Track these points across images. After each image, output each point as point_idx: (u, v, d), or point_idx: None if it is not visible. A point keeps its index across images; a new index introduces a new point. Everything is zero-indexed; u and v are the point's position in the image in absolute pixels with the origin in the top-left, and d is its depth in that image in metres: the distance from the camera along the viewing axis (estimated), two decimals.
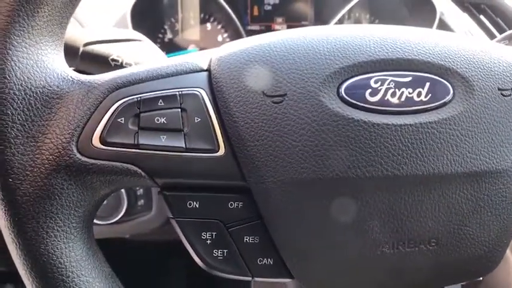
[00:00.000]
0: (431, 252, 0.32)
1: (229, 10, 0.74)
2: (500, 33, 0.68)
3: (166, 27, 0.79)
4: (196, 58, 0.32)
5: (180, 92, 0.29)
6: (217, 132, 0.29)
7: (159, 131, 0.29)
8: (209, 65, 0.31)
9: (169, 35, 0.80)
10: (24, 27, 0.27)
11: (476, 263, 0.33)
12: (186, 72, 0.31)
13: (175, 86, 0.30)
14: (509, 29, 0.68)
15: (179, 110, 0.29)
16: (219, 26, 0.80)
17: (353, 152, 0.29)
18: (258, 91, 0.29)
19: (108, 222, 0.60)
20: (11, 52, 0.26)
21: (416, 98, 0.30)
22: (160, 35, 0.80)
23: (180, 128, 0.29)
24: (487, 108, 0.31)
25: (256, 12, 0.79)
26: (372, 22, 0.82)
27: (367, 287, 0.33)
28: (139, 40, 0.44)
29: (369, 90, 0.30)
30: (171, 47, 0.80)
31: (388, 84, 0.30)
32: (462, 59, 0.31)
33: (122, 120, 0.28)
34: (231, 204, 0.31)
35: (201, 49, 0.81)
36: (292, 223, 0.30)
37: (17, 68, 0.27)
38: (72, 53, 0.40)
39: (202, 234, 0.31)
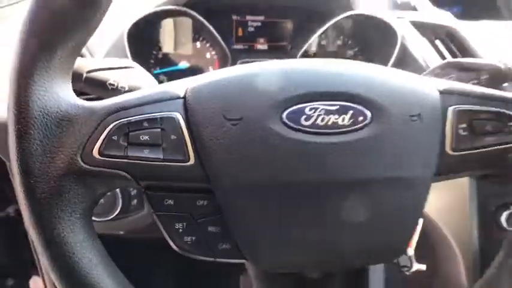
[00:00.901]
0: (355, 236, 0.41)
1: (215, 32, 0.83)
2: (452, 56, 0.78)
3: (160, 45, 0.89)
4: (175, 87, 0.41)
5: (160, 116, 0.39)
6: (189, 146, 0.38)
7: (143, 146, 0.38)
8: (185, 93, 0.40)
9: (162, 52, 0.89)
10: (43, 68, 0.36)
11: (387, 248, 0.43)
12: (167, 99, 0.40)
13: (157, 110, 0.39)
14: (462, 55, 0.77)
15: (159, 129, 0.38)
16: (208, 45, 0.89)
17: (291, 163, 0.39)
18: (220, 115, 0.39)
19: (106, 219, 0.69)
20: (33, 88, 0.36)
21: (340, 122, 0.39)
22: (155, 52, 0.89)
23: (159, 143, 0.38)
24: (398, 130, 0.40)
25: (240, 33, 0.89)
26: (345, 43, 0.91)
27: (305, 262, 0.43)
28: (132, 67, 0.54)
29: (304, 116, 0.39)
30: (164, 63, 0.89)
31: (319, 111, 0.39)
32: (380, 90, 0.40)
33: (115, 137, 0.37)
34: (199, 202, 0.40)
35: (191, 65, 0.90)
36: (244, 217, 0.40)
37: (37, 99, 0.36)
38: (77, 78, 0.49)
39: (176, 224, 0.40)
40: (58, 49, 0.37)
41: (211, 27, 0.82)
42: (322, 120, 0.39)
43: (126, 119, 0.38)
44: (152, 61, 0.90)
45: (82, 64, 0.50)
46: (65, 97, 0.38)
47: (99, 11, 0.37)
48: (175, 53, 0.90)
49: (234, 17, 0.88)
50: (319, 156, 0.39)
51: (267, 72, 0.41)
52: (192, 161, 0.38)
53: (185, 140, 0.38)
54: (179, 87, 0.40)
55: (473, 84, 0.55)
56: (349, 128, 0.39)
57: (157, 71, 0.90)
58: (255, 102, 0.39)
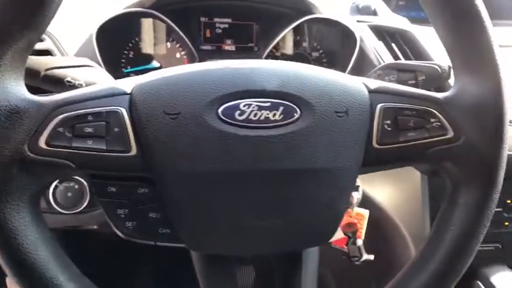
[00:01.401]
0: (282, 226, 0.45)
1: (181, 33, 0.86)
2: (406, 59, 0.82)
3: (131, 45, 0.92)
4: (123, 84, 0.44)
5: (106, 110, 0.42)
6: (131, 138, 0.42)
7: (87, 137, 0.41)
8: (131, 90, 0.43)
9: (134, 52, 0.92)
10: None
11: (313, 235, 0.47)
12: (114, 95, 0.43)
13: (103, 105, 0.42)
14: (415, 58, 0.81)
15: (104, 123, 0.42)
16: (178, 45, 0.92)
17: (225, 154, 0.42)
18: (160, 110, 0.42)
19: (73, 212, 0.72)
20: None
21: (272, 118, 0.43)
22: (126, 52, 0.92)
23: (103, 135, 0.41)
24: (325, 125, 0.44)
25: (208, 34, 0.92)
26: (311, 46, 0.95)
27: (239, 247, 0.47)
28: (91, 66, 0.57)
29: (238, 112, 0.43)
30: (135, 62, 0.93)
31: (253, 107, 0.43)
32: (309, 88, 0.44)
33: (61, 129, 0.41)
34: (140, 190, 0.44)
35: (161, 65, 0.93)
36: (182, 204, 0.43)
37: None
38: (35, 75, 0.53)
39: (118, 210, 0.43)
40: (8, 49, 0.40)
41: (177, 28, 0.86)
42: (255, 115, 0.43)
43: (72, 113, 0.41)
44: (123, 60, 0.93)
45: (41, 62, 0.53)
46: (16, 92, 0.41)
47: (47, 14, 0.40)
48: (146, 53, 0.93)
49: (202, 19, 0.91)
50: (252, 148, 0.42)
51: (206, 71, 0.44)
52: (133, 152, 0.42)
53: (128, 133, 0.42)
54: (127, 84, 0.44)
55: (411, 84, 0.59)
56: (280, 123, 0.43)
57: (128, 70, 0.93)
58: (193, 99, 0.42)
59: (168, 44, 0.93)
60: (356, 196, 0.64)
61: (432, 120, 0.46)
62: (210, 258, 0.59)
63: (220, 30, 0.92)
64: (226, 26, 0.92)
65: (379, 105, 0.46)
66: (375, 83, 0.48)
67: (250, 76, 0.44)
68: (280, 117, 0.43)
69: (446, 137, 0.46)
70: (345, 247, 0.70)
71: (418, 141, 0.46)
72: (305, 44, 0.95)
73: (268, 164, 0.43)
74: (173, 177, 0.42)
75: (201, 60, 0.90)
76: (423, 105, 0.47)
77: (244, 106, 0.43)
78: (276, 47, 0.93)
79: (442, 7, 0.45)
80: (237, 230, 0.44)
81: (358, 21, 0.88)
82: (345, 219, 0.67)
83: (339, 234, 0.69)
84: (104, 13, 0.81)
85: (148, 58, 0.93)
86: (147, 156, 0.42)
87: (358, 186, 0.65)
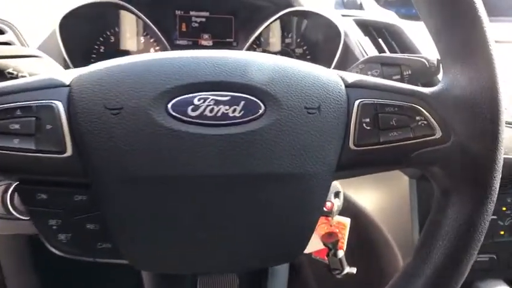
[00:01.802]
0: (239, 237, 0.39)
1: (153, 27, 0.81)
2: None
3: (102, 39, 0.86)
4: (63, 75, 0.38)
5: (37, 104, 0.36)
6: (66, 137, 0.36)
7: (13, 135, 0.35)
8: (71, 82, 0.38)
9: (105, 47, 0.86)
10: None
11: (281, 250, 0.40)
12: (49, 87, 0.37)
13: (35, 98, 0.36)
14: (402, 52, 0.76)
15: (34, 118, 0.35)
16: (152, 40, 0.86)
17: (174, 156, 0.36)
18: (101, 104, 0.36)
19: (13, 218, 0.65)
20: None
21: (231, 114, 0.37)
22: (96, 47, 0.86)
23: (31, 133, 0.35)
24: (293, 123, 0.38)
25: (184, 28, 0.86)
26: (294, 41, 0.89)
27: (191, 265, 0.40)
28: (39, 56, 0.51)
29: (191, 107, 0.37)
30: (107, 58, 0.86)
31: (209, 102, 0.37)
32: (276, 81, 0.38)
33: None
34: (76, 197, 0.37)
35: None
36: (123, 214, 0.37)
37: None
38: None
39: (49, 221, 0.37)
40: None
41: (149, 22, 0.80)
42: (211, 111, 0.37)
43: None
44: (94, 55, 0.87)
45: None
46: None
47: None
48: (119, 48, 0.87)
49: (177, 12, 0.85)
50: (206, 149, 0.36)
51: (156, 60, 0.38)
52: (68, 153, 0.36)
53: (62, 131, 0.36)
54: (67, 75, 0.38)
55: (396, 79, 0.53)
56: (240, 120, 0.37)
57: None
58: (138, 91, 0.36)
59: (142, 38, 0.87)
60: (336, 203, 0.58)
61: (417, 118, 0.41)
62: (161, 276, 0.53)
63: (196, 24, 0.86)
64: (203, 19, 0.86)
65: (357, 101, 0.40)
66: (352, 76, 0.42)
67: (207, 66, 0.38)
68: (241, 113, 0.37)
69: (433, 137, 0.41)
70: (326, 258, 0.65)
71: (401, 142, 0.40)
72: (288, 40, 0.89)
73: (226, 168, 0.37)
74: (113, 183, 0.36)
75: None
76: (407, 101, 0.41)
77: (198, 100, 0.37)
78: (257, 43, 0.87)
79: None
80: (187, 245, 0.38)
81: (343, 15, 0.83)
82: (325, 229, 0.62)
83: (319, 245, 0.63)
84: (68, 3, 0.75)
85: (121, 53, 0.87)
86: (85, 158, 0.36)
87: (339, 192, 0.59)
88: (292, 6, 0.80)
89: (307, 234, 0.41)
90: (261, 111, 0.38)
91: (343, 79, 0.42)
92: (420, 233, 0.71)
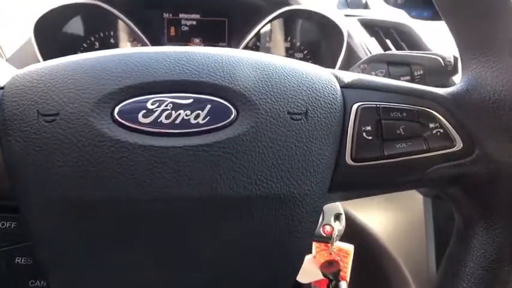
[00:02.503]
0: (204, 279, 0.30)
1: (139, 32, 0.74)
2: None
3: (85, 45, 0.79)
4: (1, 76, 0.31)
5: None
6: None
7: None
8: (6, 83, 0.31)
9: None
10: None
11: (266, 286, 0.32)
12: None
13: None
14: None
15: None
16: (139, 45, 0.80)
17: (116, 173, 0.28)
18: (34, 109, 0.29)
19: None
20: None
21: (193, 121, 0.29)
22: (80, 52, 0.80)
23: None
24: (272, 132, 0.30)
25: (173, 32, 0.79)
26: (293, 45, 0.82)
27: None
28: None
29: (143, 112, 0.29)
30: None
31: (166, 105, 0.29)
32: (250, 80, 0.31)
33: None
34: (3, 224, 0.30)
35: None
36: (56, 246, 0.29)
37: None
38: None
39: None
40: None
41: (132, 25, 0.73)
42: (168, 117, 0.29)
43: None
44: None
45: None
46: None
47: None
48: None
49: (165, 15, 0.79)
50: (160, 165, 0.29)
51: (103, 58, 0.31)
52: None
53: None
54: (5, 75, 0.31)
55: (405, 81, 0.45)
56: (205, 128, 0.29)
57: None
58: (78, 94, 0.29)
59: (129, 44, 0.80)
60: (337, 227, 0.49)
61: (432, 125, 0.33)
62: None
63: (186, 28, 0.79)
64: (194, 22, 0.79)
65: (355, 105, 0.33)
66: (350, 76, 0.34)
67: (166, 63, 0.31)
68: (206, 119, 0.29)
69: (452, 150, 0.32)
70: None
71: (411, 156, 0.32)
72: (287, 44, 0.82)
73: (184, 189, 0.29)
74: (45, 206, 0.29)
75: None
76: (418, 104, 0.33)
77: (152, 104, 0.29)
78: (253, 48, 0.80)
79: None
80: (138, 286, 0.30)
81: (346, 15, 0.75)
82: (324, 256, 0.53)
83: (317, 275, 0.55)
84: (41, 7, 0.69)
85: None
86: (15, 175, 0.28)
87: (340, 214, 0.51)
88: (289, 4, 0.73)
89: (294, 267, 0.32)
90: (231, 118, 0.30)
91: (338, 78, 0.34)
92: (437, 261, 0.62)
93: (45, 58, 0.70)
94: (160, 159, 0.28)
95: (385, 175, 0.32)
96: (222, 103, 0.30)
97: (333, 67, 0.73)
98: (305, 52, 0.82)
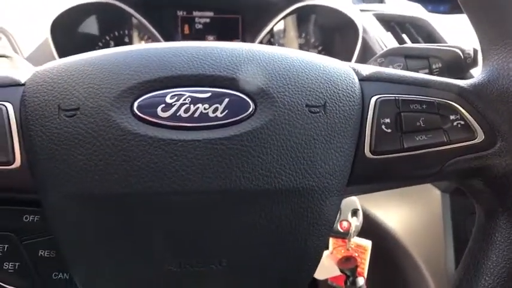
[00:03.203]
0: (222, 272, 0.30)
1: (153, 30, 0.74)
2: None
3: (101, 44, 0.80)
4: (20, 73, 0.32)
5: None
6: (15, 144, 0.29)
7: None
8: (26, 80, 0.31)
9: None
10: None
11: (281, 281, 0.31)
12: (2, 86, 0.31)
13: None
14: None
15: None
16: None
17: (137, 167, 0.28)
18: (55, 104, 0.30)
19: None
20: None
21: (211, 114, 0.29)
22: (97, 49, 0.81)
23: None
24: (291, 125, 0.30)
25: (187, 30, 0.80)
26: (307, 42, 0.81)
27: None
28: (9, 56, 0.45)
29: (162, 106, 0.29)
30: None
31: (184, 99, 0.30)
32: (268, 74, 0.31)
33: None
34: (26, 218, 0.31)
35: None
36: (79, 239, 0.30)
37: None
38: None
39: None
40: None
41: (147, 23, 0.74)
42: (187, 110, 0.29)
43: None
44: None
45: None
46: None
47: None
48: None
49: (179, 13, 0.79)
50: (180, 159, 0.29)
51: (121, 54, 0.32)
52: (17, 163, 0.29)
53: (11, 136, 0.29)
54: (25, 72, 0.32)
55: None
56: (224, 121, 0.29)
57: None
58: (98, 89, 0.30)
59: (143, 42, 0.81)
60: (354, 223, 0.49)
61: (452, 117, 0.32)
62: None
63: (200, 26, 0.79)
64: (208, 20, 0.79)
65: (374, 97, 0.32)
66: (368, 68, 0.34)
67: (183, 57, 0.31)
68: (224, 113, 0.29)
69: (473, 142, 0.32)
70: (344, 286, 0.55)
71: (431, 149, 0.32)
72: (301, 41, 0.81)
73: (204, 183, 0.29)
74: (65, 200, 0.29)
75: None
76: (438, 96, 0.32)
77: (171, 98, 0.30)
78: (266, 43, 0.80)
79: None
80: (158, 280, 0.30)
81: (361, 10, 0.74)
82: (342, 252, 0.52)
83: (335, 271, 0.54)
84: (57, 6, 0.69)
85: None
86: (35, 170, 0.29)
87: (357, 209, 0.50)
88: (302, 0, 0.72)
89: (313, 262, 0.32)
90: (249, 111, 0.30)
91: (356, 72, 0.33)
92: (455, 258, 0.61)
93: (61, 57, 0.71)
94: (179, 152, 0.29)
95: (405, 168, 0.32)
96: (240, 96, 0.30)
97: (349, 61, 0.72)
98: (319, 48, 0.81)
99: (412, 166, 0.32)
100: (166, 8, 0.78)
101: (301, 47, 0.82)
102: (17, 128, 0.29)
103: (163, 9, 0.78)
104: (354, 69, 0.34)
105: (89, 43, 0.79)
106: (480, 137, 0.32)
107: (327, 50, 0.81)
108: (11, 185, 0.29)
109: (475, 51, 0.45)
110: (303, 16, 0.77)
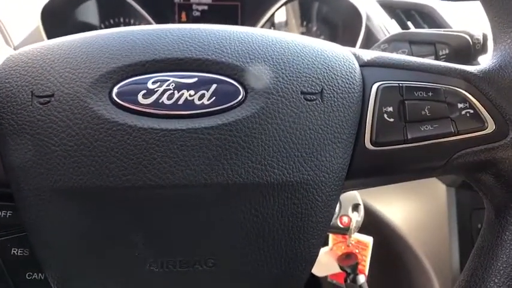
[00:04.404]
0: (209, 273, 0.28)
1: (149, 17, 0.72)
2: None
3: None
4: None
5: None
6: None
7: None
8: (2, 64, 0.29)
9: None
10: None
11: (275, 280, 0.29)
12: None
13: None
14: None
15: None
16: None
17: (115, 159, 0.26)
18: (28, 90, 0.27)
19: None
20: None
21: (197, 101, 0.27)
22: None
23: None
24: (284, 114, 0.28)
25: (184, 18, 0.77)
26: (309, 29, 0.78)
27: None
28: None
29: (143, 92, 0.27)
30: None
31: (168, 85, 0.27)
32: (260, 57, 0.28)
33: None
34: None
35: None
36: (53, 237, 0.27)
37: None
38: None
39: None
40: None
41: (142, 11, 0.71)
42: (170, 97, 0.27)
43: None
44: None
45: None
46: None
47: None
48: None
49: (176, 0, 0.76)
50: (164, 150, 0.26)
51: (102, 36, 0.29)
52: None
53: None
54: (4, 55, 0.30)
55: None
56: (211, 109, 0.27)
57: None
58: (73, 73, 0.27)
59: None
60: (355, 218, 0.47)
61: (460, 105, 0.30)
62: None
63: (198, 13, 0.77)
64: (206, 7, 0.77)
65: (375, 84, 0.30)
66: (369, 54, 0.32)
67: (168, 39, 0.29)
68: (212, 100, 0.27)
69: (483, 132, 0.29)
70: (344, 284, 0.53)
71: (438, 140, 0.29)
72: (303, 29, 0.79)
73: (189, 175, 0.27)
74: (38, 194, 0.27)
75: None
76: (445, 83, 0.30)
77: (153, 83, 0.27)
78: None
79: None
80: (139, 281, 0.28)
81: None
82: (342, 249, 0.50)
83: (335, 268, 0.52)
84: None
85: None
86: (7, 162, 0.27)
87: (358, 204, 0.48)
88: None
89: (308, 262, 0.30)
90: (239, 98, 0.27)
91: (356, 56, 0.31)
92: (460, 255, 0.59)
93: None
94: (161, 142, 0.26)
95: (408, 160, 0.30)
96: (229, 82, 0.28)
97: None
98: (322, 37, 0.79)
99: (417, 158, 0.29)
100: None
101: (302, 34, 0.79)
102: None
103: None
104: (355, 54, 0.31)
105: (83, 31, 0.77)
106: (491, 127, 0.29)
107: (330, 38, 0.78)
108: None
109: (485, 36, 0.42)
110: (304, 3, 0.74)
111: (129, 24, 0.78)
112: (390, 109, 0.29)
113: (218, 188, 0.26)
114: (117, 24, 0.77)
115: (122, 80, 0.27)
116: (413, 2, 0.68)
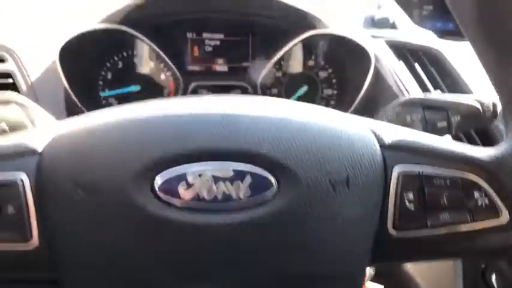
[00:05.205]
0: None
1: (161, 53, 0.73)
2: (432, 84, 0.67)
3: (109, 64, 0.79)
4: (37, 138, 0.31)
5: None
6: (32, 221, 0.29)
7: None
8: (44, 148, 0.30)
9: (113, 73, 0.80)
10: None
11: None
12: (15, 157, 0.30)
13: None
14: (443, 81, 0.66)
15: None
16: (162, 65, 0.79)
17: (164, 254, 0.28)
18: (71, 179, 0.29)
19: None
20: None
21: (234, 195, 0.29)
22: (103, 73, 0.80)
23: None
24: (313, 206, 0.29)
25: (196, 52, 0.79)
26: (317, 64, 0.80)
27: None
28: (20, 104, 0.44)
29: (183, 185, 0.29)
30: (115, 85, 0.80)
31: (206, 179, 0.29)
32: (289, 148, 0.30)
33: None
34: None
35: (144, 86, 0.80)
36: None
37: None
38: None
39: None
40: None
41: (155, 47, 0.73)
42: (209, 191, 0.29)
43: None
44: (100, 82, 0.80)
45: None
46: None
47: None
48: (127, 74, 0.80)
49: (189, 35, 0.78)
50: (205, 246, 0.28)
51: (136, 121, 0.31)
52: (34, 242, 0.28)
53: (28, 212, 0.29)
54: (43, 137, 0.31)
55: (442, 128, 0.44)
56: (246, 204, 0.29)
57: (106, 93, 0.80)
58: (116, 163, 0.29)
59: (152, 63, 0.80)
60: (368, 271, 0.49)
61: (476, 195, 0.32)
62: None
63: (210, 48, 0.78)
64: (217, 42, 0.78)
65: (396, 169, 0.32)
66: (391, 135, 0.33)
67: (203, 128, 0.30)
68: (247, 193, 0.29)
69: (498, 221, 0.31)
70: None
71: (455, 228, 0.31)
72: (311, 63, 0.80)
73: (229, 269, 0.28)
74: (86, 281, 0.29)
75: (185, 84, 0.77)
76: (461, 171, 0.32)
77: (192, 176, 0.29)
78: (276, 67, 0.79)
79: (492, 32, 0.30)
80: None
81: (373, 36, 0.73)
82: None
83: None
84: (66, 31, 0.68)
85: (129, 80, 0.80)
86: (53, 250, 0.28)
87: None
88: (314, 27, 0.71)
89: None
90: (273, 190, 0.29)
91: (378, 138, 0.33)
92: None
93: (69, 80, 0.70)
94: (203, 237, 0.28)
95: (428, 245, 0.32)
96: (262, 174, 0.29)
97: (359, 90, 0.71)
98: (330, 71, 0.80)
99: (436, 244, 0.32)
100: (177, 29, 0.77)
101: (311, 68, 0.80)
102: (33, 202, 0.29)
103: (173, 31, 0.77)
104: (375, 135, 0.33)
105: (97, 64, 0.78)
106: (505, 216, 0.31)
107: (338, 73, 0.80)
108: (26, 263, 0.29)
109: (494, 105, 0.44)
110: (314, 43, 0.76)
111: (142, 58, 0.79)
112: (411, 195, 0.31)
113: (260, 282, 0.28)
114: (131, 57, 0.78)
115: (161, 171, 0.29)
116: (420, 44, 0.70)
